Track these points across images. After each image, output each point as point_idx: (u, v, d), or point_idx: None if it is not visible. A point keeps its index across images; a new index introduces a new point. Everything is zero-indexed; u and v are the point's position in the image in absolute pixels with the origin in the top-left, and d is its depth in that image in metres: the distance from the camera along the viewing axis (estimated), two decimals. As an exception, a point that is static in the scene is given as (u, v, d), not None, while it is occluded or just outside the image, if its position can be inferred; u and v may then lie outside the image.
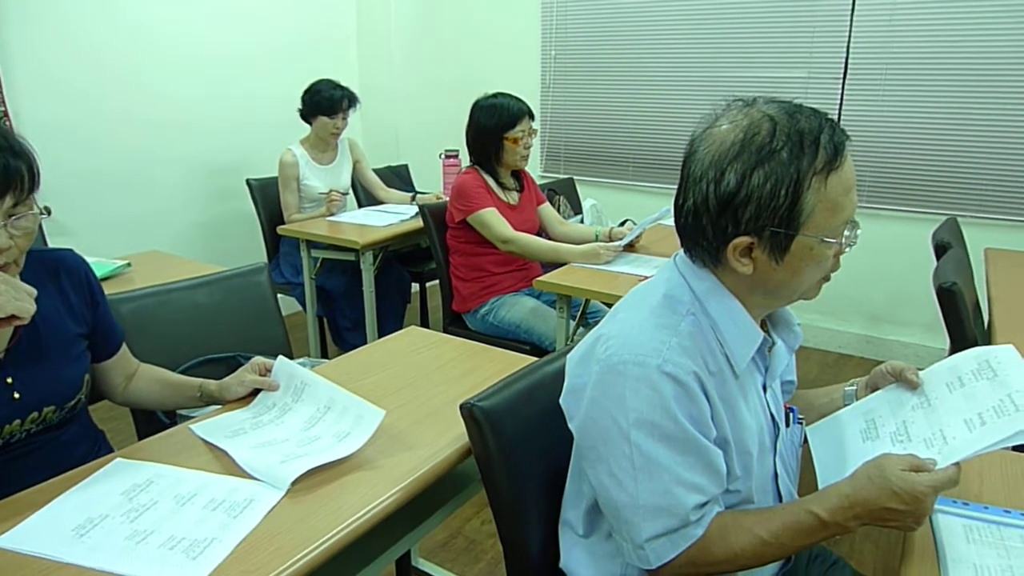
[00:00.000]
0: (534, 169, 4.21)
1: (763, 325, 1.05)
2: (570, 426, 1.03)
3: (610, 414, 0.94)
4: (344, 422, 1.22)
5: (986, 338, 1.90)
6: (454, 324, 2.65)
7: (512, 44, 4.22)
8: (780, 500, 1.07)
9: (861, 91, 3.29)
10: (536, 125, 2.56)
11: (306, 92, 3.14)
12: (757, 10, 3.46)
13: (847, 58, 3.29)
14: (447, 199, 2.62)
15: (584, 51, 4.01)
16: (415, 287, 3.55)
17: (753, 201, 0.90)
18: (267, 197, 3.24)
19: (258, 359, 1.40)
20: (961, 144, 3.15)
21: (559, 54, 4.09)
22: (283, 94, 3.38)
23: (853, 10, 3.24)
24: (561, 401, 1.05)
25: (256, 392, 1.36)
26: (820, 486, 1.03)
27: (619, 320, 1.01)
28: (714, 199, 0.92)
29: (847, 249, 0.95)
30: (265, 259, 3.28)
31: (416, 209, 2.91)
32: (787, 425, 1.11)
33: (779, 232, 0.91)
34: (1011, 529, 1.00)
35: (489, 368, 1.51)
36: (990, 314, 2.00)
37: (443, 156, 3.33)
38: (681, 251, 1.04)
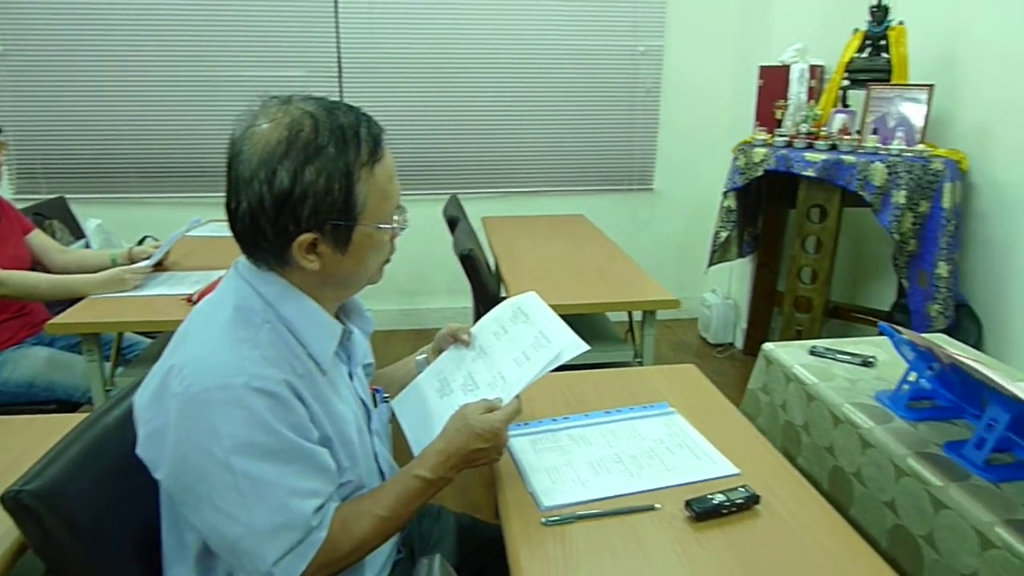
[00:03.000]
0: (5, 191, 3.43)
1: (337, 317, 1.07)
2: (156, 476, 0.89)
3: (203, 448, 0.85)
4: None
5: (502, 291, 2.27)
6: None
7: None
8: (384, 477, 1.12)
9: (358, 87, 3.56)
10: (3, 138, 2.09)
11: None
12: (247, 9, 3.42)
13: (339, 57, 3.51)
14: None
15: (44, 48, 3.40)
16: None
17: (310, 197, 0.90)
18: None
19: None
20: (453, 131, 3.69)
21: (7, 50, 3.38)
22: None
23: (337, 11, 3.45)
24: (138, 451, 0.90)
25: None
26: (413, 450, 1.12)
27: (189, 346, 0.91)
28: (269, 199, 0.89)
29: (400, 232, 1.03)
30: None
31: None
32: (375, 406, 1.16)
33: (340, 224, 0.93)
34: (560, 432, 1.25)
35: (16, 444, 1.21)
36: (499, 270, 2.41)
37: None
38: (243, 258, 0.98)
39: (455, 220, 2.54)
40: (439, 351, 1.30)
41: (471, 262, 2.05)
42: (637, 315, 2.22)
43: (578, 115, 3.79)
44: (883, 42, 2.95)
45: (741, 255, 3.42)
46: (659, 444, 1.20)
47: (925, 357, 1.31)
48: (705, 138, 3.84)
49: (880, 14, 2.92)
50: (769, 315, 3.45)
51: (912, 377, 1.34)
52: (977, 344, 2.87)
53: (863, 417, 1.31)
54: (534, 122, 3.77)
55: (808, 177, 2.81)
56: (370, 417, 1.12)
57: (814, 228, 2.92)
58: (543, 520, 1.01)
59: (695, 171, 3.89)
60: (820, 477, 1.43)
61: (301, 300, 0.97)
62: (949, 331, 2.79)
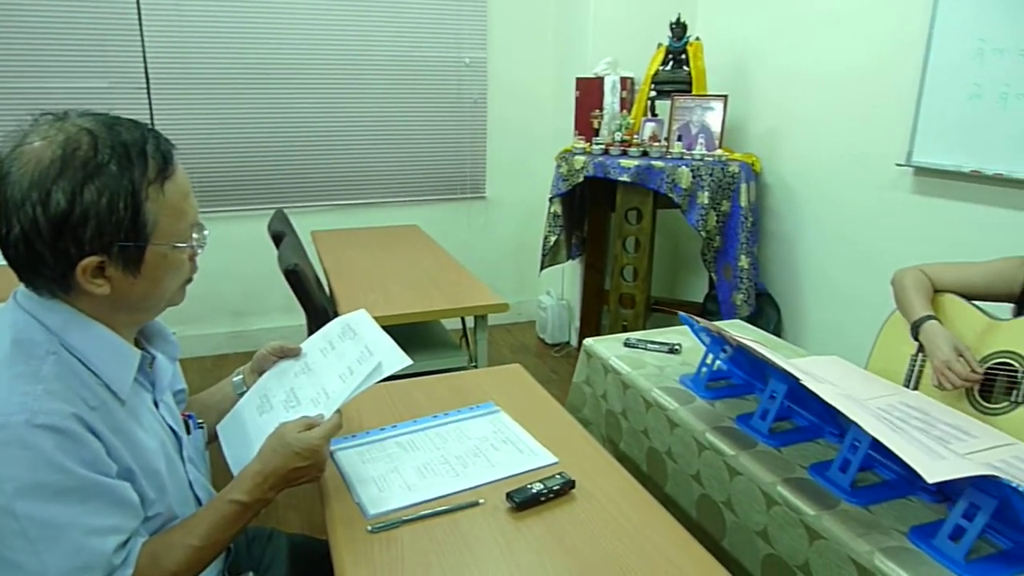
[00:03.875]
0: None
1: (138, 342, 1.01)
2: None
3: (-18, 496, 0.78)
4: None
5: (332, 305, 2.23)
6: None
7: None
8: (201, 504, 1.08)
9: (169, 99, 3.34)
10: None
11: None
12: (42, 16, 3.10)
13: (146, 67, 3.28)
14: None
15: None
16: None
17: (92, 218, 0.85)
18: None
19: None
20: (278, 143, 3.56)
21: None
22: None
23: (140, 19, 3.23)
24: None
25: None
26: (233, 471, 1.08)
27: (-37, 386, 0.83)
28: (45, 222, 0.83)
29: (199, 251, 0.99)
30: None
31: None
32: (188, 432, 1.11)
33: (128, 246, 0.88)
34: (388, 440, 1.25)
35: None
36: (330, 285, 2.36)
37: None
38: (21, 287, 0.90)
39: (280, 235, 2.46)
40: (258, 371, 1.27)
41: (296, 278, 2.00)
42: (471, 320, 2.27)
43: (408, 126, 3.81)
44: (683, 56, 3.22)
45: (571, 257, 3.59)
46: (484, 442, 1.24)
47: (718, 342, 1.45)
48: (532, 146, 4.00)
49: (679, 31, 3.19)
50: (599, 313, 3.65)
51: (709, 360, 1.48)
52: (777, 327, 3.22)
53: (669, 400, 1.43)
54: (364, 133, 3.74)
55: (624, 182, 3.01)
56: (181, 445, 1.06)
57: (632, 229, 3.13)
58: (369, 528, 1.02)
59: (525, 178, 4.03)
60: (639, 459, 1.54)
61: (91, 327, 0.91)
62: (753, 317, 3.11)
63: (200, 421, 1.17)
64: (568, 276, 3.92)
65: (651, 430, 1.48)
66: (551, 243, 3.36)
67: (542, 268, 3.45)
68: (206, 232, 0.99)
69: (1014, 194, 2.21)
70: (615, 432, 1.64)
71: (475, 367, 2.19)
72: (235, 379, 1.29)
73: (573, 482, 1.10)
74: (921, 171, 2.51)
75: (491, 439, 1.25)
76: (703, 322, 1.41)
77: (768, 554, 1.15)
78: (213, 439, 1.27)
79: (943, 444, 1.24)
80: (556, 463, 1.17)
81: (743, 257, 2.97)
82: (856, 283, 2.82)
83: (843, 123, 2.83)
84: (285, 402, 1.17)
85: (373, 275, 2.37)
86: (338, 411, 1.07)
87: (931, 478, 0.82)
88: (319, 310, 2.08)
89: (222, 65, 3.40)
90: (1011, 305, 1.57)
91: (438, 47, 3.76)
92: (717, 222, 2.96)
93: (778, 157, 3.20)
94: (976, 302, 1.60)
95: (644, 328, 3.24)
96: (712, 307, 3.22)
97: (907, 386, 1.60)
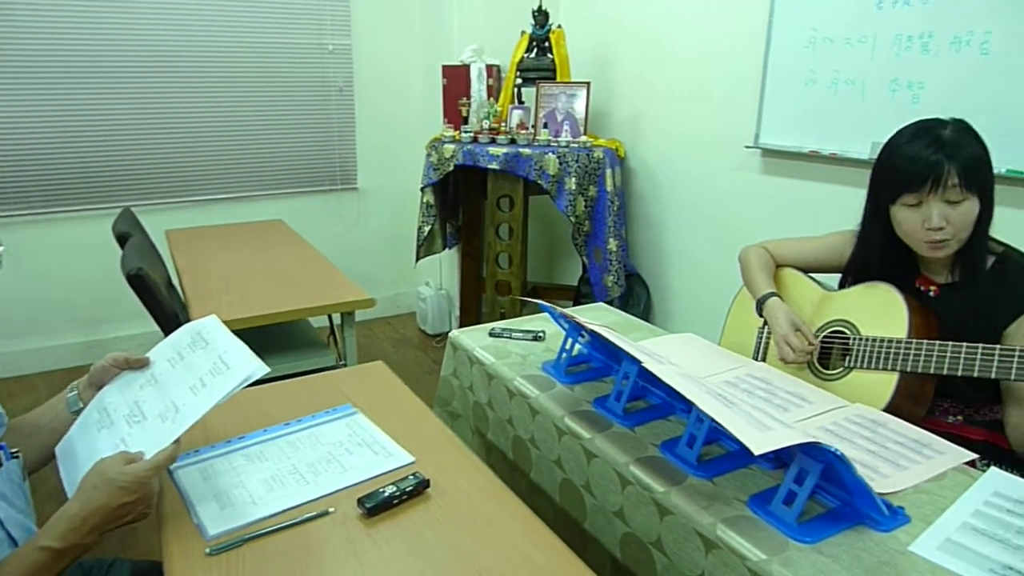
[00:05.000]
0: None
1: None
2: None
3: None
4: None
5: (186, 309, 2.09)
6: None
7: None
8: (17, 543, 0.97)
9: (-8, 90, 3.02)
10: None
11: None
12: None
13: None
14: None
15: None
16: None
17: None
18: None
19: None
20: (125, 136, 3.29)
21: None
22: None
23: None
24: None
25: None
26: (69, 495, 0.99)
27: None
28: None
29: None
30: None
31: None
32: (0, 464, 1.00)
33: None
34: (234, 453, 1.18)
35: None
36: (183, 288, 2.22)
37: None
38: None
39: (125, 236, 2.28)
40: (97, 385, 1.16)
41: (141, 283, 1.86)
42: (338, 318, 2.20)
43: (271, 116, 3.64)
44: (547, 43, 3.25)
45: (447, 247, 3.56)
46: (338, 447, 1.20)
47: (576, 327, 1.47)
48: (403, 134, 3.92)
49: (541, 18, 3.21)
50: (478, 301, 3.65)
51: (568, 345, 1.49)
52: (647, 306, 3.33)
53: (530, 387, 1.44)
54: (223, 124, 3.53)
55: (494, 170, 3.00)
56: (-9, 480, 0.96)
57: (504, 216, 3.14)
58: (208, 551, 0.95)
59: (398, 168, 3.96)
60: (505, 448, 1.54)
61: None
62: (624, 298, 3.20)
63: (14, 450, 1.06)
64: (446, 266, 3.89)
65: (515, 419, 1.48)
66: (425, 233, 3.32)
67: (417, 259, 3.40)
68: (1, 248, 0.89)
69: (847, 172, 2.38)
70: (483, 423, 1.63)
71: (344, 365, 2.12)
72: (69, 395, 1.18)
73: (428, 481, 1.07)
74: (768, 152, 2.66)
75: (346, 443, 1.21)
76: (560, 309, 1.42)
77: (625, 533, 1.17)
78: (39, 467, 1.15)
79: (782, 411, 1.31)
80: (412, 463, 1.14)
81: (611, 240, 3.05)
82: (716, 260, 2.96)
83: (698, 108, 2.95)
84: (128, 416, 1.08)
85: (230, 275, 2.25)
86: (175, 441, 0.99)
87: (757, 450, 0.86)
88: (170, 316, 1.95)
89: (61, 51, 3.10)
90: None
91: (299, 33, 3.61)
92: (585, 207, 3.02)
93: (641, 142, 3.30)
94: (814, 275, 1.71)
95: (521, 314, 3.27)
96: (586, 290, 3.29)
97: (756, 358, 1.69)
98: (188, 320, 1.27)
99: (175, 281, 2.38)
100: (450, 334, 1.76)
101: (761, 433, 0.91)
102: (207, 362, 1.10)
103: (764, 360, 1.67)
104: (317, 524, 1.01)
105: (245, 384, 1.03)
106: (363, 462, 1.15)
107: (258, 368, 1.05)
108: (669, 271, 3.26)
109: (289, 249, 2.58)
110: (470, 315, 3.65)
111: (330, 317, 2.38)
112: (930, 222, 1.34)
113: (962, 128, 1.36)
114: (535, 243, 3.76)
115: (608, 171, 3.01)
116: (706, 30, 2.85)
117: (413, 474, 1.08)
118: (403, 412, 1.34)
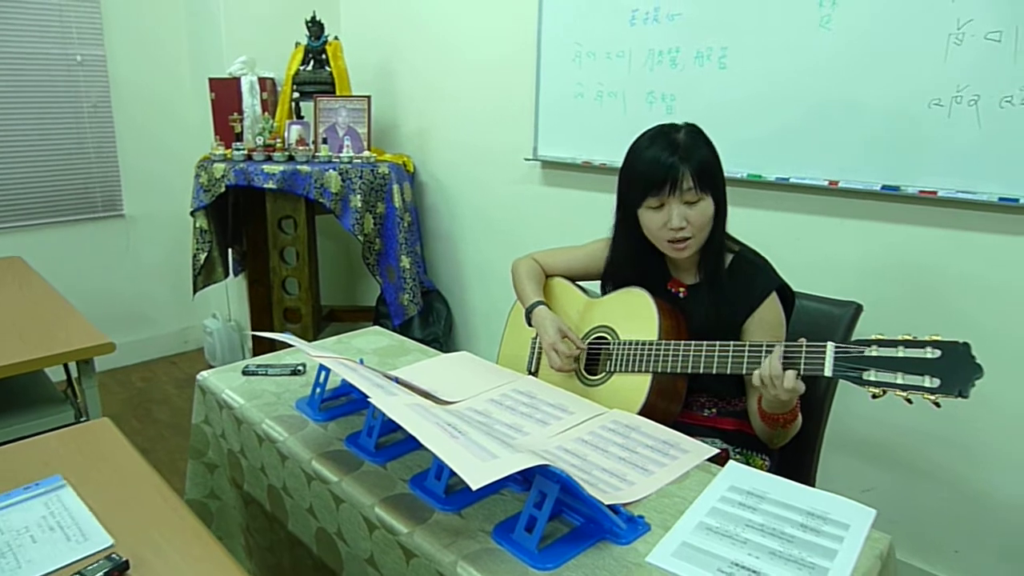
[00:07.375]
0: None
1: None
2: None
3: None
4: None
5: None
6: None
7: None
8: None
9: None
10: None
11: None
12: None
13: None
14: None
15: None
16: None
17: None
18: None
19: None
20: None
21: None
22: None
23: None
24: None
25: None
26: None
27: None
28: None
29: None
30: None
31: None
32: None
33: None
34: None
35: None
36: None
37: None
38: None
39: None
40: None
41: None
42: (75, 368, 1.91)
43: (8, 136, 3.16)
44: (324, 56, 3.11)
45: (233, 274, 3.29)
46: (21, 535, 0.99)
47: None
48: (174, 155, 3.59)
49: (316, 29, 3.07)
50: (271, 331, 3.40)
51: (322, 378, 1.38)
52: (448, 321, 3.28)
53: (279, 430, 1.30)
54: (-59, 148, 3.02)
55: (271, 189, 2.81)
56: None
57: (288, 239, 2.95)
58: None
59: (170, 191, 3.61)
60: (262, 498, 1.39)
61: None
62: (423, 315, 3.13)
63: None
64: (234, 294, 3.60)
65: (267, 466, 1.34)
66: (201, 261, 3.03)
67: (196, 290, 3.11)
68: None
69: (612, 180, 2.47)
70: (238, 473, 1.47)
71: (85, 420, 1.85)
72: None
73: (127, 563, 0.91)
74: (546, 164, 2.71)
75: (33, 529, 1.01)
76: (301, 342, 1.31)
77: (378, 581, 1.08)
78: None
79: (543, 425, 1.29)
80: (110, 545, 0.97)
81: (404, 257, 2.96)
82: (508, 270, 2.97)
83: (482, 121, 2.95)
84: None
85: (-66, 328, 1.88)
86: None
87: (474, 484, 0.80)
88: None
89: None
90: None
91: (42, 41, 3.17)
92: (374, 225, 2.91)
93: (430, 156, 3.26)
94: (581, 282, 1.73)
95: (317, 340, 3.09)
96: (384, 310, 3.18)
97: (529, 369, 1.68)
98: None
99: None
100: (198, 376, 1.57)
101: (484, 463, 0.86)
102: None
103: (538, 369, 1.66)
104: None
105: None
106: (46, 553, 0.95)
107: None
108: (468, 285, 3.24)
109: (17, 291, 2.23)
110: (263, 345, 3.39)
111: (66, 367, 2.07)
112: (671, 222, 1.38)
113: (693, 131, 1.42)
114: (330, 264, 3.59)
115: (396, 186, 2.93)
116: (484, 42, 2.86)
117: (109, 556, 0.91)
118: (124, 479, 1.15)
